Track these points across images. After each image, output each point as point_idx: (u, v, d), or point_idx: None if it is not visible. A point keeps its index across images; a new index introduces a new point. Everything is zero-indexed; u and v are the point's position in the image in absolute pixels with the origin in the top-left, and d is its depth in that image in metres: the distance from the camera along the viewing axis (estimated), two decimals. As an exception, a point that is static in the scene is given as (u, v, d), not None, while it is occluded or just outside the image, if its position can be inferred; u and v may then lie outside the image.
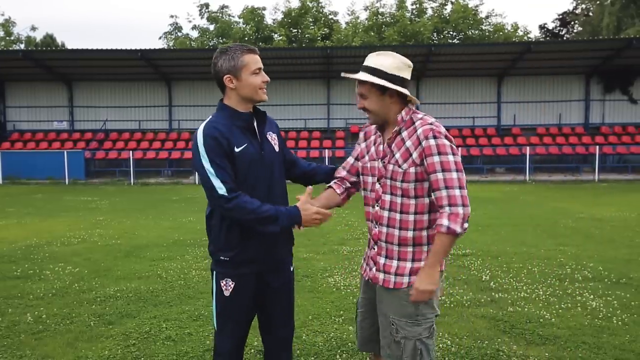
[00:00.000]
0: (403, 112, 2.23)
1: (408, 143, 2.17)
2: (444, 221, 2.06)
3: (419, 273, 2.17)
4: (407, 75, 2.23)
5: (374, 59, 2.24)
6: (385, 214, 2.25)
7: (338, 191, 2.49)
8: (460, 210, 2.06)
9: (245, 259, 2.35)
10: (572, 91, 25.82)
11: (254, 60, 2.30)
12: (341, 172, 2.53)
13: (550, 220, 9.95)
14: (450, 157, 2.09)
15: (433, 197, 2.14)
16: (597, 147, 21.82)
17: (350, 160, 2.51)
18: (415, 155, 2.14)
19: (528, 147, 22.19)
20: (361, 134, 2.48)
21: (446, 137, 2.12)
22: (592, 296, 4.89)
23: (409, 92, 2.24)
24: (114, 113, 26.82)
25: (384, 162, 2.25)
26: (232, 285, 2.37)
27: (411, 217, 2.21)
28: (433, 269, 2.13)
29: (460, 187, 2.08)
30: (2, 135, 26.27)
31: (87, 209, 12.51)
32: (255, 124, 2.38)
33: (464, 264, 6.26)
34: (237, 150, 2.28)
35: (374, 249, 2.34)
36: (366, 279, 2.41)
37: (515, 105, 26.00)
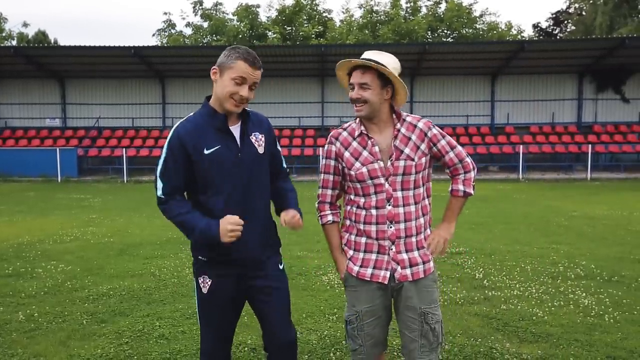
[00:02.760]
0: (395, 111, 2.39)
1: (413, 137, 2.36)
2: (460, 186, 2.42)
3: (439, 227, 2.41)
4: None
5: (376, 55, 2.29)
6: (401, 210, 2.34)
7: (338, 220, 2.51)
8: (471, 174, 2.44)
9: (221, 260, 2.31)
10: (565, 90, 25.94)
11: (242, 69, 2.17)
12: (327, 197, 2.49)
13: (543, 218, 10.00)
14: (449, 137, 2.44)
15: (448, 170, 2.45)
16: (590, 145, 21.94)
17: (330, 177, 2.46)
18: (423, 146, 2.36)
19: (521, 146, 22.27)
20: (337, 145, 2.40)
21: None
22: (584, 294, 4.92)
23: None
24: (107, 110, 26.65)
25: (392, 160, 2.30)
26: (209, 283, 2.34)
27: (419, 206, 2.39)
28: (451, 224, 2.43)
29: (467, 154, 2.45)
30: (-7, 132, 26.10)
31: (79, 207, 12.44)
32: (238, 125, 2.29)
33: (458, 262, 6.28)
34: (206, 152, 2.22)
35: (392, 249, 2.34)
36: (385, 283, 2.35)
37: (508, 104, 26.09)
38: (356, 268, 2.40)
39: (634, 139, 24.17)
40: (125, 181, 21.50)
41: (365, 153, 2.34)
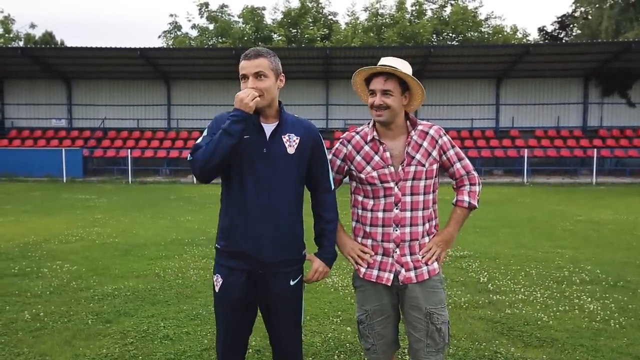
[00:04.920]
0: (410, 118, 2.44)
1: (424, 144, 2.40)
2: (465, 197, 2.45)
3: (439, 234, 2.45)
4: None
5: (394, 62, 2.34)
6: (408, 214, 2.37)
7: None
8: (477, 188, 2.47)
9: (233, 251, 2.33)
10: (570, 94, 25.87)
11: (241, 67, 2.31)
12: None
13: (548, 222, 9.97)
14: (457, 148, 2.48)
15: (454, 182, 2.50)
16: (595, 150, 21.89)
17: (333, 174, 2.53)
18: (434, 153, 2.40)
19: (526, 150, 22.24)
20: (349, 148, 2.47)
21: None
22: (589, 299, 4.90)
23: None
24: (113, 111, 26.77)
25: (403, 166, 2.36)
26: (220, 282, 2.37)
27: (427, 212, 2.42)
28: (452, 234, 2.46)
29: (475, 169, 2.51)
30: (0, 133, 26.22)
31: (85, 207, 12.49)
32: (274, 124, 2.34)
33: (462, 265, 6.27)
34: None
35: (396, 252, 2.39)
36: (389, 285, 2.39)
37: (513, 108, 26.04)
38: (363, 269, 2.46)
39: (639, 143, 24.07)
40: (130, 182, 21.56)
41: (376, 158, 2.40)
